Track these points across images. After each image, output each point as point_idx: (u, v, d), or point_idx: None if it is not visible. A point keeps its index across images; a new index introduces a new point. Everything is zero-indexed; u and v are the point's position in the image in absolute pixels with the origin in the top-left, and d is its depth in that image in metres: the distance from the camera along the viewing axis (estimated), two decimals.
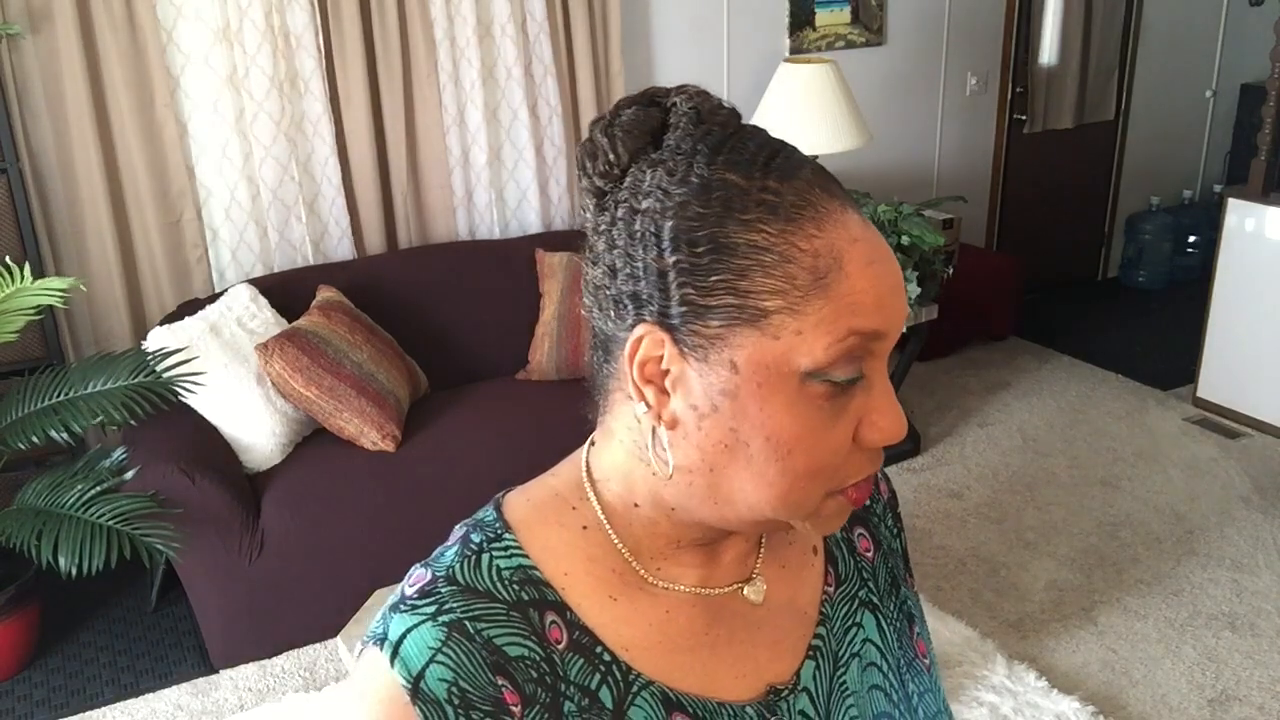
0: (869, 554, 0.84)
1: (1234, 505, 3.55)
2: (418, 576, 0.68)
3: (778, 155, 0.64)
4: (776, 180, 0.63)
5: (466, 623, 0.65)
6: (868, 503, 0.86)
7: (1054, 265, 5.58)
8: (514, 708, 0.64)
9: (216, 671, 2.86)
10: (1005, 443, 4.02)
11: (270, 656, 2.88)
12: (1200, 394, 4.24)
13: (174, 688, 2.82)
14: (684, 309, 0.63)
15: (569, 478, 0.74)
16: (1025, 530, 3.44)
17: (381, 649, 0.65)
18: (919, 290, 3.60)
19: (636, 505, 0.70)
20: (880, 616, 0.82)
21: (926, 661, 0.83)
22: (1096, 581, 3.17)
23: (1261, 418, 4.03)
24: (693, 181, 0.63)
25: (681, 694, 0.70)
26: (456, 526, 0.73)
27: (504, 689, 0.64)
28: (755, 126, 0.68)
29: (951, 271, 3.84)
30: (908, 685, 0.80)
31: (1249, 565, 3.22)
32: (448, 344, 3.47)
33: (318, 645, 2.91)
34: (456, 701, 0.63)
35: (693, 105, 0.67)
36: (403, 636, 0.64)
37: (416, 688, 0.63)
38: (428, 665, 0.63)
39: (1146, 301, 5.54)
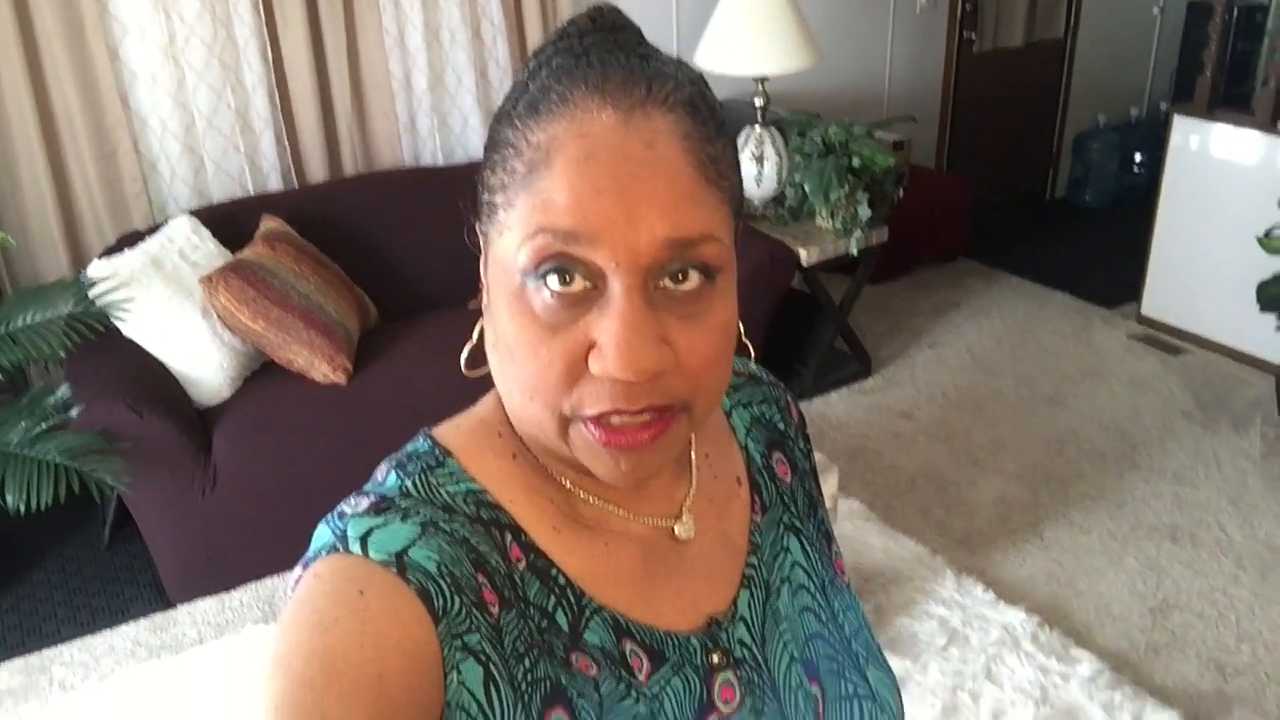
0: (787, 478, 0.85)
1: (1175, 420, 3.64)
2: (359, 502, 0.67)
3: (590, 55, 0.63)
4: (551, 75, 0.62)
5: (439, 520, 0.65)
6: (781, 426, 0.87)
7: (1003, 185, 5.61)
8: (492, 607, 0.64)
9: (174, 607, 2.85)
10: (954, 362, 4.07)
11: (228, 590, 2.88)
12: (1144, 311, 4.31)
13: (131, 624, 2.81)
14: (480, 209, 0.66)
15: (491, 403, 0.74)
16: (974, 448, 3.50)
17: (343, 548, 0.63)
18: (870, 213, 3.61)
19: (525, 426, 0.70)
20: (803, 539, 0.83)
21: (845, 578, 0.85)
22: (1042, 497, 3.24)
23: (1203, 334, 4.11)
24: (518, 85, 0.65)
25: (631, 621, 0.71)
26: (383, 462, 0.72)
27: (483, 587, 0.64)
28: (630, 38, 0.67)
29: (902, 193, 3.84)
30: (833, 603, 0.82)
31: (1189, 478, 3.31)
32: (396, 273, 3.43)
33: (275, 578, 2.91)
34: (447, 579, 0.62)
35: (591, 16, 0.67)
36: (367, 534, 0.63)
37: (402, 561, 0.62)
38: (409, 547, 0.63)
39: (1093, 220, 5.60)
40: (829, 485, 2.55)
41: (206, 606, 2.84)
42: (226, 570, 2.88)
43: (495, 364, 0.68)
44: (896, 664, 2.50)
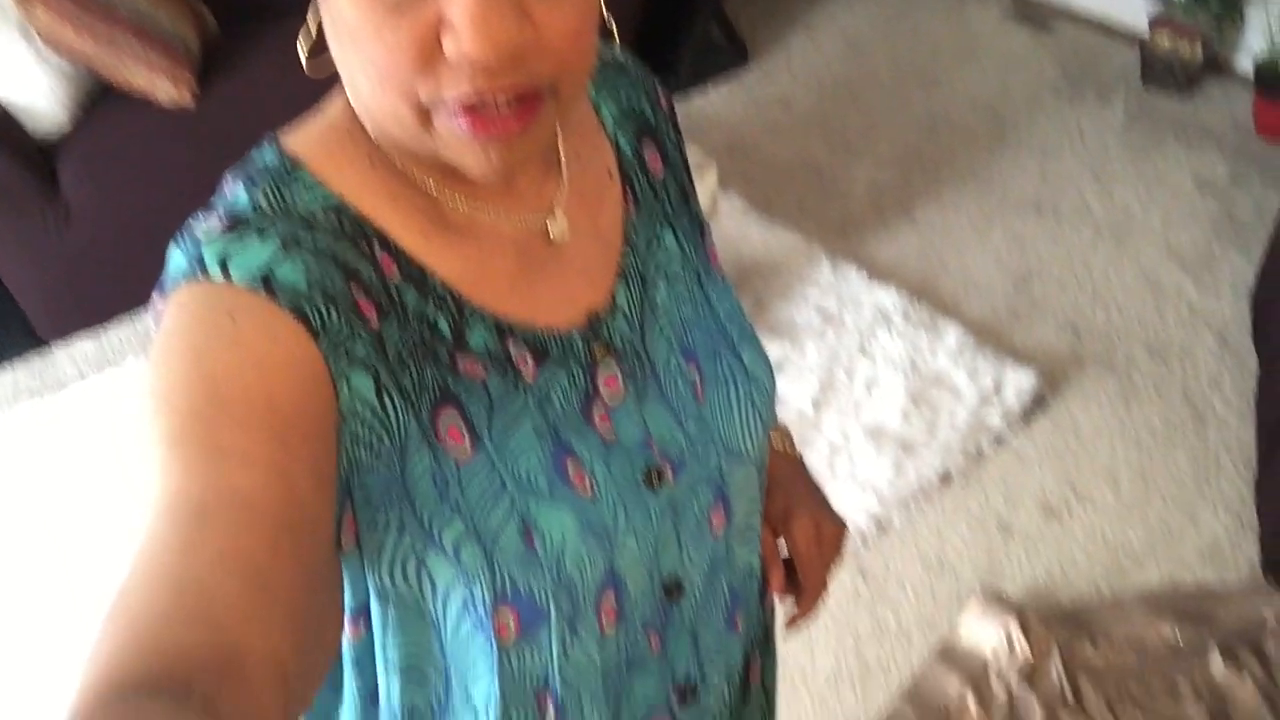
0: (658, 169, 0.83)
1: (1044, 95, 3.68)
2: (209, 221, 0.63)
3: None
4: None
5: (300, 236, 0.62)
6: (650, 116, 0.84)
7: None
8: (370, 318, 0.63)
9: (47, 345, 2.78)
10: (830, 48, 4.00)
11: (103, 326, 2.81)
12: None
13: (8, 372, 2.74)
14: None
15: (340, 105, 0.69)
16: (849, 135, 3.51)
17: (202, 274, 0.60)
18: None
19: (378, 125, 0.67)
20: (676, 229, 0.83)
21: (718, 266, 0.86)
22: (914, 178, 3.30)
23: (1074, 8, 4.09)
24: None
25: (512, 322, 0.70)
26: (228, 175, 0.67)
27: (358, 298, 0.63)
28: None
29: None
30: (708, 292, 0.83)
31: (1055, 151, 3.39)
32: None
33: (150, 318, 2.83)
34: (319, 294, 0.60)
35: None
36: (225, 257, 0.60)
37: (268, 282, 0.59)
38: (272, 265, 0.60)
39: None
40: (708, 182, 2.55)
41: (84, 345, 2.78)
42: (96, 307, 2.79)
43: (338, 54, 0.62)
44: (776, 349, 2.61)
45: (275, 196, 0.64)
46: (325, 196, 0.65)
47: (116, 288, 2.78)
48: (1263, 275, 2.63)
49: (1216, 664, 1.93)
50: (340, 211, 0.65)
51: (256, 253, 0.60)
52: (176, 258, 0.62)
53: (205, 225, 0.62)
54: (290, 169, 0.66)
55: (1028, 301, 2.84)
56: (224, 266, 0.59)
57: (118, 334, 2.80)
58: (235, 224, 0.62)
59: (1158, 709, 1.89)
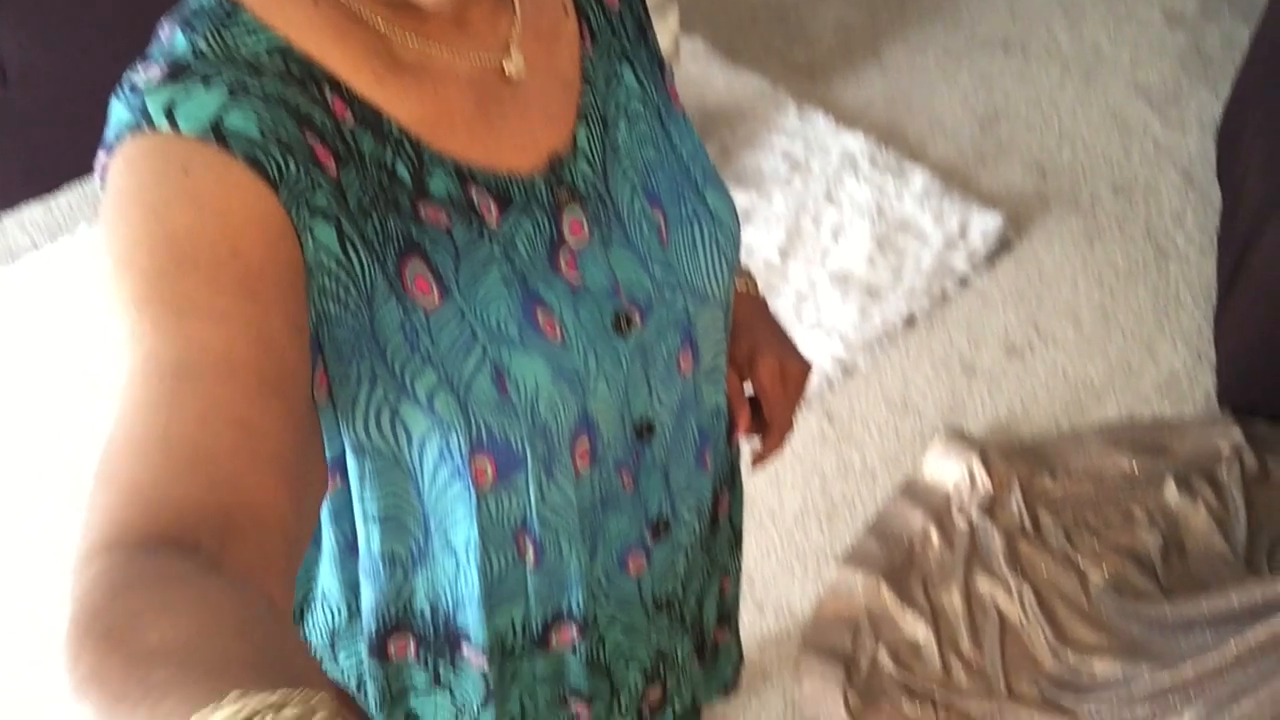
0: (614, 3, 0.81)
1: None
2: (149, 69, 0.60)
3: None
4: None
5: (247, 82, 0.59)
6: None
7: None
8: (328, 166, 0.61)
9: None
10: None
11: (51, 193, 2.74)
12: None
13: None
14: None
15: None
16: None
17: (148, 126, 0.57)
18: None
19: None
20: (635, 67, 0.81)
21: (680, 105, 0.84)
22: (881, 18, 3.23)
23: None
24: None
25: (473, 166, 0.68)
26: (164, 21, 0.64)
27: (314, 146, 0.61)
28: None
29: None
30: (669, 131, 0.81)
31: None
32: None
33: (96, 176, 2.76)
34: (274, 143, 0.59)
35: None
36: (170, 107, 0.57)
37: (219, 131, 0.57)
38: (222, 113, 0.58)
39: None
40: (669, 24, 2.47)
41: (34, 213, 2.71)
42: (42, 171, 2.71)
43: None
44: (743, 198, 2.59)
45: (216, 40, 0.61)
46: (269, 38, 0.62)
47: (63, 151, 2.70)
48: (1229, 110, 2.62)
49: (1171, 492, 1.99)
50: (286, 54, 0.62)
51: (203, 101, 0.57)
52: (119, 111, 0.59)
53: (145, 75, 0.59)
54: (229, 10, 0.62)
55: (994, 143, 2.82)
56: (170, 116, 0.57)
57: (68, 199, 2.73)
58: (177, 71, 0.59)
59: (1113, 536, 1.97)
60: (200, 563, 0.45)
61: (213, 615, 0.42)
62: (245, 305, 0.54)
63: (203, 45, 0.60)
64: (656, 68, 0.83)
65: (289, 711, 0.35)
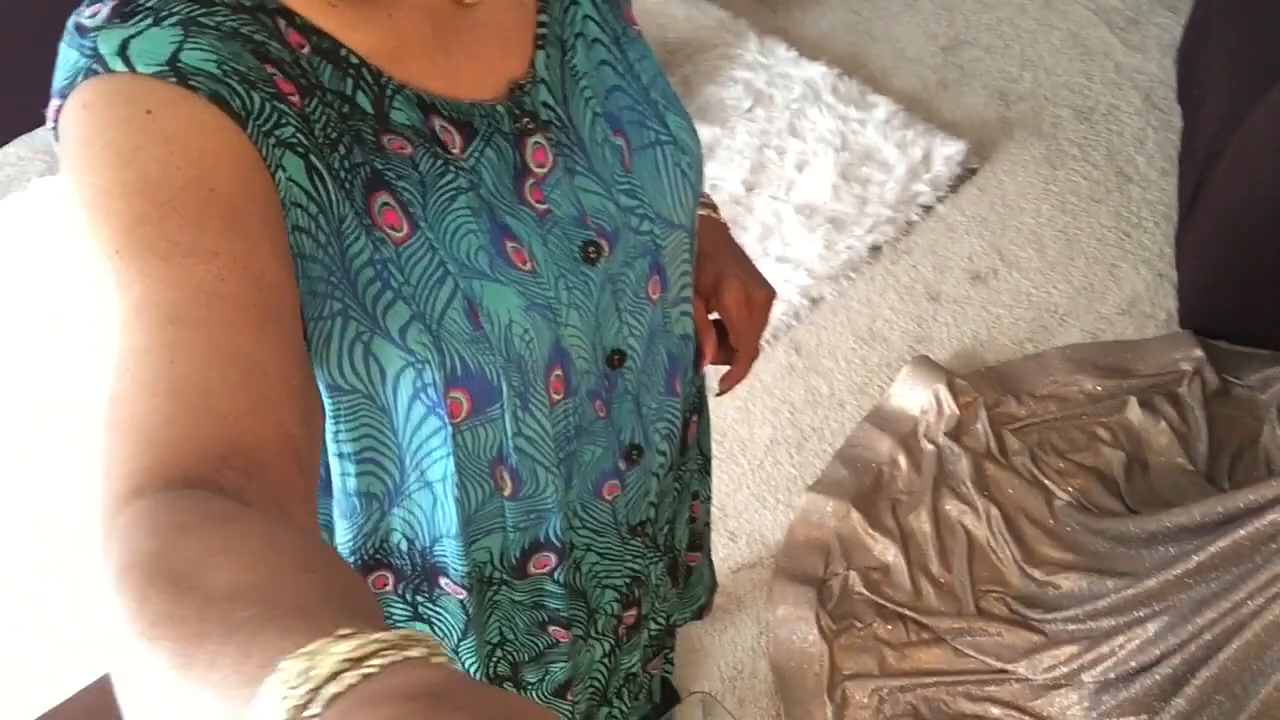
0: None
1: None
2: (96, 9, 0.58)
3: None
4: None
5: (200, 18, 0.58)
6: None
7: None
8: (292, 98, 0.60)
9: None
10: None
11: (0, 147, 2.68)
12: None
13: None
14: None
15: None
16: None
17: (102, 68, 0.56)
18: None
19: None
20: None
21: (637, 28, 0.83)
22: None
23: None
24: None
25: (434, 96, 0.68)
26: None
27: (275, 77, 0.59)
28: None
29: None
30: (627, 54, 0.81)
31: None
32: None
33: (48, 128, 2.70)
34: (235, 77, 0.57)
35: None
36: (123, 47, 0.56)
37: (177, 69, 0.56)
38: (178, 50, 0.56)
39: None
40: None
41: None
42: None
43: None
44: (705, 131, 2.57)
45: None
46: None
47: (6, 102, 2.64)
48: (1189, 31, 2.62)
49: (1134, 411, 2.02)
50: None
51: (157, 39, 0.56)
52: (67, 55, 0.58)
53: (93, 16, 0.58)
54: None
55: (957, 70, 2.81)
56: (124, 57, 0.55)
57: (15, 151, 2.67)
58: (126, 10, 0.57)
59: (1078, 456, 2.00)
60: (230, 502, 0.45)
61: (275, 553, 0.41)
62: (231, 241, 0.53)
63: None
64: None
65: (415, 651, 0.34)
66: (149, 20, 0.57)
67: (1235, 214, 2.04)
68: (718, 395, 1.02)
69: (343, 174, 0.63)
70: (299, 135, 0.60)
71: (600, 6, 0.80)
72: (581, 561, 0.90)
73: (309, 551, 0.42)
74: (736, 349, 0.98)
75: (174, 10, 0.57)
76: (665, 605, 1.08)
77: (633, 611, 1.01)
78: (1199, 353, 2.10)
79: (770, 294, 0.97)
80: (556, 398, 0.77)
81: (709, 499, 1.14)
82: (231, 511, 0.44)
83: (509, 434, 0.75)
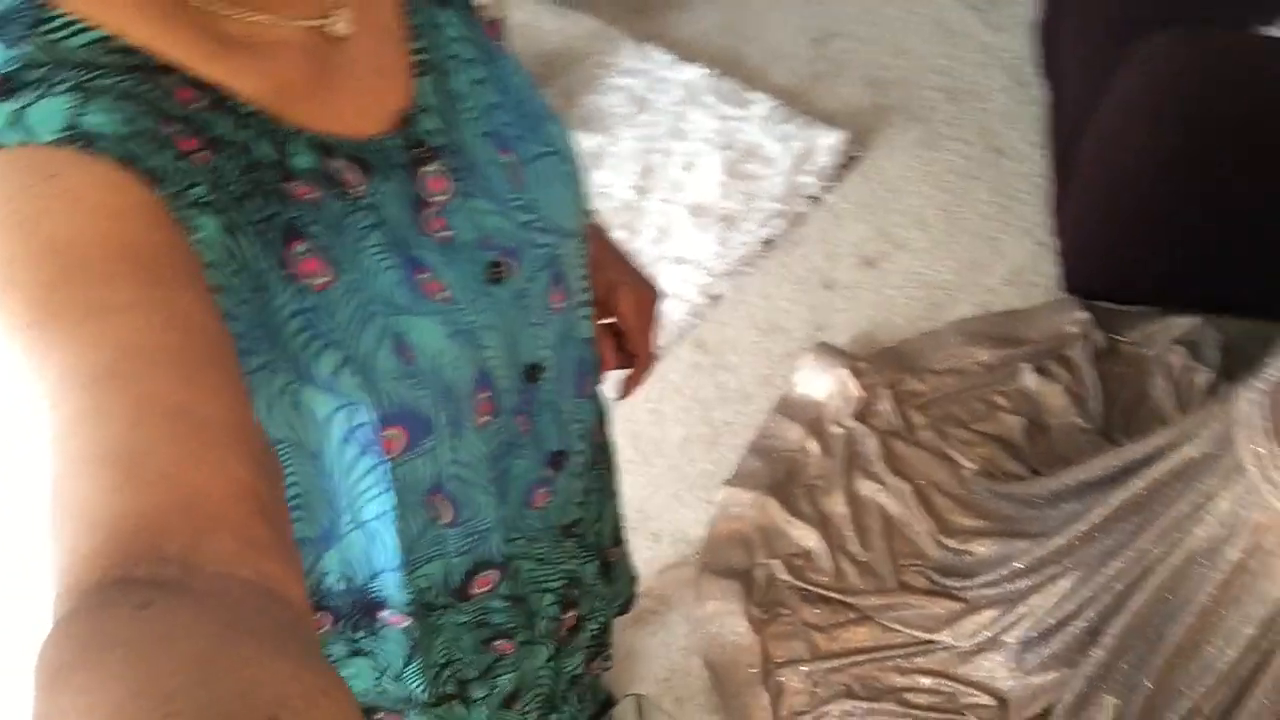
0: None
1: None
2: None
3: None
4: None
5: (93, 81, 0.55)
6: None
7: None
8: (197, 154, 0.58)
9: None
10: None
11: None
12: None
13: None
14: None
15: None
16: None
17: None
18: None
19: None
20: (453, 8, 0.79)
21: (498, 41, 0.83)
22: None
23: None
24: None
25: (328, 135, 0.67)
26: None
27: (177, 135, 0.57)
28: None
29: None
30: (499, 69, 0.81)
31: None
32: None
33: None
34: (140, 138, 0.55)
35: None
36: (16, 118, 0.53)
37: (77, 134, 0.53)
38: (75, 116, 0.53)
39: None
40: None
41: None
42: None
43: None
44: (590, 139, 2.59)
45: (40, 44, 0.56)
46: (93, 35, 0.58)
47: None
48: (1047, 6, 2.72)
49: (1028, 376, 2.09)
50: (115, 48, 0.58)
51: (49, 107, 0.53)
52: None
53: None
54: (40, 7, 0.57)
55: (830, 62, 2.87)
56: (19, 128, 0.52)
57: None
58: (10, 85, 0.54)
59: (979, 425, 2.06)
60: (170, 572, 0.42)
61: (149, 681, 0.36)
62: (149, 291, 0.50)
63: (28, 53, 0.55)
64: (469, 7, 0.82)
65: None
66: (37, 93, 0.54)
67: (1104, 179, 2.13)
68: (619, 400, 1.04)
69: (258, 227, 0.61)
70: (211, 193, 0.58)
71: (466, 26, 0.80)
72: (520, 570, 0.91)
73: (208, 652, 0.38)
74: (637, 352, 1.00)
75: (63, 79, 0.55)
76: (600, 604, 1.09)
77: (572, 613, 1.01)
78: (1084, 315, 2.18)
79: (656, 293, 1.00)
80: (485, 419, 0.77)
81: (619, 491, 1.15)
82: (119, 634, 0.38)
83: (445, 463, 0.75)
